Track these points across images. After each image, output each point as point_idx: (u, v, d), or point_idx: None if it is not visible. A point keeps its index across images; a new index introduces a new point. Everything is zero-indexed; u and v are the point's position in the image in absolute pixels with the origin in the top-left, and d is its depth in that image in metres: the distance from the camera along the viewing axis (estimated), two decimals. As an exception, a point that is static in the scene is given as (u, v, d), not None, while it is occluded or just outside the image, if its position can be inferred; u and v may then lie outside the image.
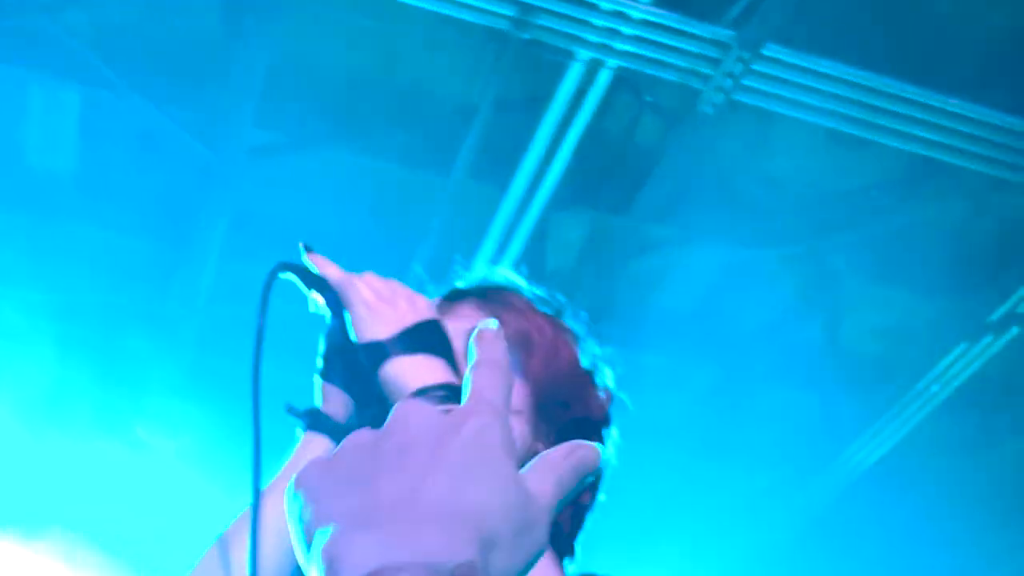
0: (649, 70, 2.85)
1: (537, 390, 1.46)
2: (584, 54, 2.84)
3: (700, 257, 3.19)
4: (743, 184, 3.03)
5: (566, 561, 1.48)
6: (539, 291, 1.59)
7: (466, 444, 0.51)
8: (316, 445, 1.34)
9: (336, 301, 1.32)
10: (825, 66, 2.83)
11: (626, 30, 2.80)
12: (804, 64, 2.84)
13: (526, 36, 2.81)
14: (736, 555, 3.85)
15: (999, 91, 2.87)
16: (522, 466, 1.25)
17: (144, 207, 3.03)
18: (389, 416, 0.57)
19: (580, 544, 1.48)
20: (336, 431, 1.33)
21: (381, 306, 1.32)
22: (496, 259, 3.01)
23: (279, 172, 3.01)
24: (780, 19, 2.74)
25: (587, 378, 1.53)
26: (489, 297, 1.52)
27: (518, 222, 3.07)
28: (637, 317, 3.29)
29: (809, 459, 3.56)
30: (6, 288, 3.19)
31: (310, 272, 1.31)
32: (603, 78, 2.85)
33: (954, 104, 2.89)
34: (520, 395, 1.45)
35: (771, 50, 2.79)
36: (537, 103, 2.88)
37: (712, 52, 2.79)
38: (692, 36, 2.79)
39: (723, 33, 2.77)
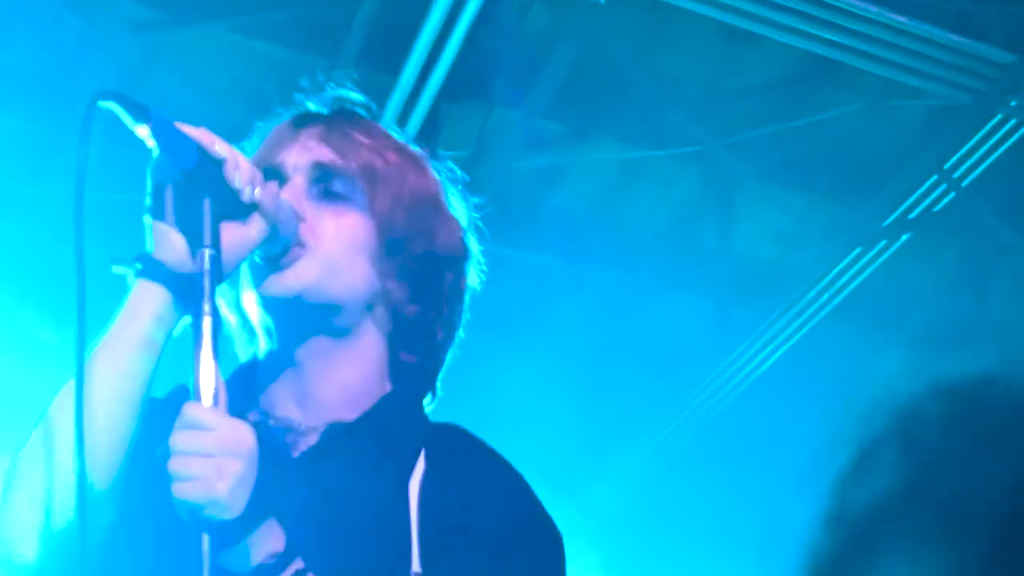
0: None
1: (382, 225, 1.40)
2: None
3: (594, 156, 3.18)
4: (636, 81, 3.00)
5: (428, 398, 1.46)
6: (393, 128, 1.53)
7: None
8: (151, 295, 1.24)
9: (181, 148, 1.23)
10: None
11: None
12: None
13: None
14: (627, 460, 3.90)
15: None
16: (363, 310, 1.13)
17: (17, 83, 2.95)
18: None
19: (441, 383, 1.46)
20: (172, 279, 1.24)
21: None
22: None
23: (158, 49, 2.94)
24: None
25: (437, 209, 1.47)
26: (336, 125, 1.44)
27: (409, 112, 3.02)
28: (532, 218, 3.27)
29: (703, 365, 3.59)
30: None
31: (135, 102, 1.21)
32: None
33: (851, 3, 2.89)
34: (363, 233, 1.39)
35: (666, -61, 2.76)
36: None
37: None
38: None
39: None
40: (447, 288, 1.46)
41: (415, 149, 1.51)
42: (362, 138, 1.45)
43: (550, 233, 3.31)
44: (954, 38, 2.95)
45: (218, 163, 1.25)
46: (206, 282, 1.21)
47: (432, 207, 1.47)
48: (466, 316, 1.48)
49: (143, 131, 1.21)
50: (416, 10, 2.89)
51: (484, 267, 1.50)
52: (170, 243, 1.24)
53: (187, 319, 1.22)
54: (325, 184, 1.40)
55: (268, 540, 1.17)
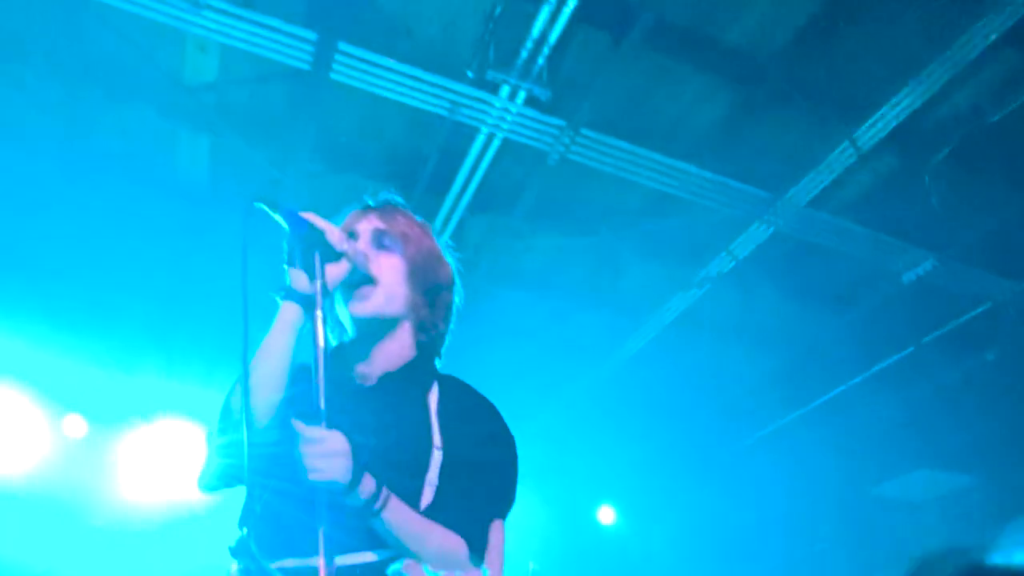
0: (521, 139, 5.19)
1: (411, 266, 2.09)
2: (484, 129, 4.88)
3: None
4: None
5: (437, 360, 2.15)
6: (417, 215, 2.26)
7: None
8: (290, 308, 1.91)
9: (302, 229, 1.90)
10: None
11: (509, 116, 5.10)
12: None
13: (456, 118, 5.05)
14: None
15: None
16: (403, 317, 2.09)
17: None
18: None
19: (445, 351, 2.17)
20: (301, 299, 1.90)
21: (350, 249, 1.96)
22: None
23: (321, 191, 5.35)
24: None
25: (440, 258, 2.19)
26: (386, 211, 2.16)
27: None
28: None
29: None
30: None
31: (274, 200, 1.86)
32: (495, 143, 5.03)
33: (659, 158, 5.46)
34: (403, 269, 2.09)
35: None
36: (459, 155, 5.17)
37: (554, 131, 4.97)
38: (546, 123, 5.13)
39: (559, 121, 5.07)
40: (444, 302, 2.16)
41: (426, 224, 2.24)
42: (400, 218, 2.15)
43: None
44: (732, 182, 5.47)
45: (321, 232, 1.92)
46: (318, 298, 1.85)
47: (437, 256, 2.17)
48: (455, 318, 2.20)
49: (279, 217, 1.86)
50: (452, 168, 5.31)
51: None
52: (297, 278, 1.90)
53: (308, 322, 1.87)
54: (380, 240, 2.12)
55: (365, 487, 1.78)
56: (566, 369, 6.73)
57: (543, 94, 4.65)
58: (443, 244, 2.24)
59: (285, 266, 1.94)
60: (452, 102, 4.70)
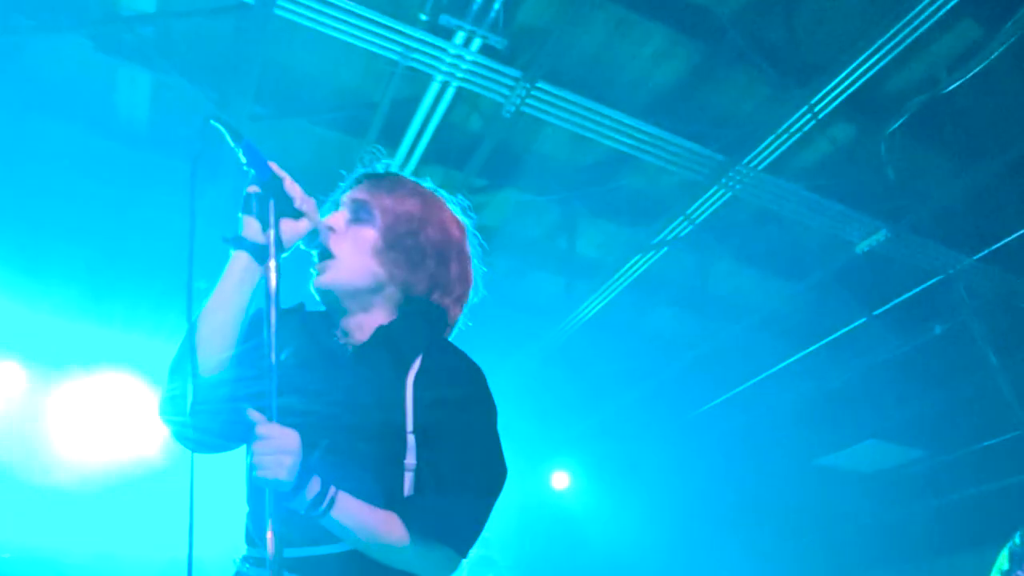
0: (475, 89, 5.10)
1: (386, 237, 2.01)
2: (439, 76, 4.90)
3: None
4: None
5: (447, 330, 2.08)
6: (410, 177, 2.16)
7: None
8: (240, 258, 1.82)
9: (260, 167, 1.79)
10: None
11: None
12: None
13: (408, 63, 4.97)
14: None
15: None
16: (374, 290, 1.97)
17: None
18: None
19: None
20: (252, 248, 1.81)
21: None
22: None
23: (261, 136, 5.16)
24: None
25: (436, 226, 2.07)
26: (374, 181, 2.07)
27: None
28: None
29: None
30: None
31: (234, 127, 1.74)
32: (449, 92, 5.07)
33: (626, 119, 5.35)
34: (369, 241, 2.00)
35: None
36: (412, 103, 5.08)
37: (510, 82, 4.98)
38: (502, 73, 5.05)
39: (515, 72, 5.01)
40: (440, 270, 2.05)
41: (429, 191, 2.11)
42: (385, 187, 2.05)
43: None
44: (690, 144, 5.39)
45: (279, 179, 1.81)
46: (272, 249, 1.77)
47: (431, 223, 2.05)
48: (471, 287, 2.10)
49: (240, 152, 1.75)
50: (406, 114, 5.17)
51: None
52: (250, 226, 1.81)
53: (262, 271, 1.79)
54: (357, 212, 2.04)
55: (310, 489, 1.70)
56: (520, 331, 6.61)
57: (499, 42, 4.50)
58: (456, 210, 2.14)
59: (240, 213, 1.85)
60: (404, 46, 4.53)
